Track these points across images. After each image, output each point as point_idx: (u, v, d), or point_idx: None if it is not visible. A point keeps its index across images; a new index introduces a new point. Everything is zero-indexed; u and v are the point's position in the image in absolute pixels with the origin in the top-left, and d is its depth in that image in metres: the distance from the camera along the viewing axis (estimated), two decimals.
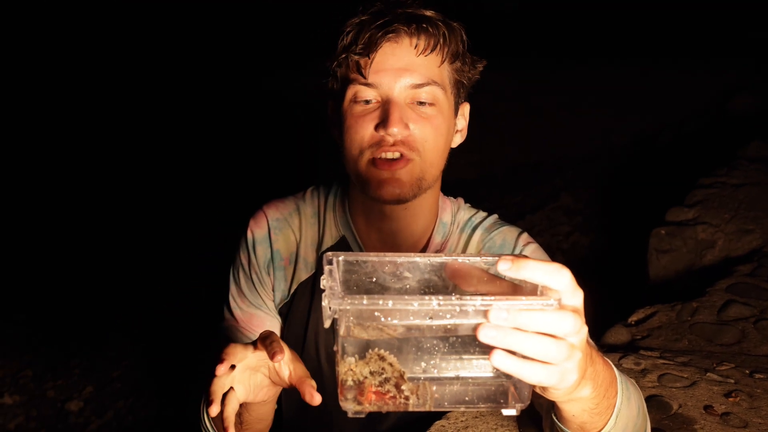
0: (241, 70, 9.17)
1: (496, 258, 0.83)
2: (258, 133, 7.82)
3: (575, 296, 0.80)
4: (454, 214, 1.51)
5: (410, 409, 0.80)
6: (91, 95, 9.07)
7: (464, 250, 1.47)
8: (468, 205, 1.56)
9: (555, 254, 4.77)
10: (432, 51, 1.27)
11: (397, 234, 1.43)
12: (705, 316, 2.44)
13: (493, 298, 0.74)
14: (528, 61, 7.88)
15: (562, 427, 1.03)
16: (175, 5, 10.38)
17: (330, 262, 0.84)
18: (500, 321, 0.74)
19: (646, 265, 3.40)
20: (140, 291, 5.09)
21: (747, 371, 1.92)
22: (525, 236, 1.47)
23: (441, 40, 1.28)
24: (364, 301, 0.74)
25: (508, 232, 1.46)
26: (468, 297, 0.74)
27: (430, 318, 0.75)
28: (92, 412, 3.90)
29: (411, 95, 1.27)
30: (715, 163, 4.09)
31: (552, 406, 1.02)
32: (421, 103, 1.28)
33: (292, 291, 1.50)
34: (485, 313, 0.74)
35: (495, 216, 1.53)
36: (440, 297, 0.74)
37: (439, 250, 1.47)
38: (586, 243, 4.98)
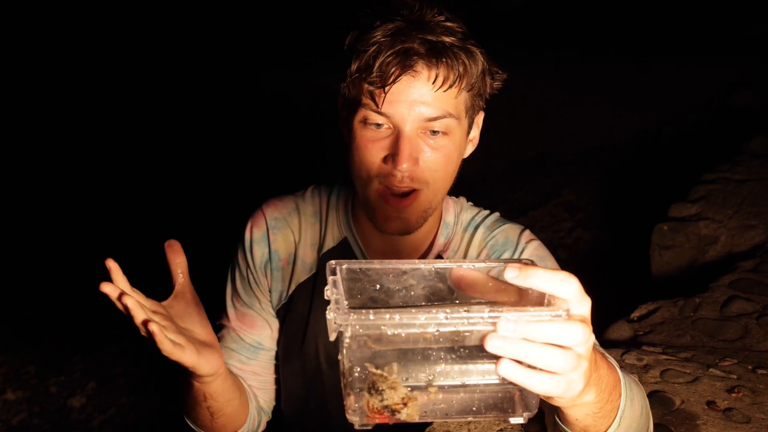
0: (243, 69, 9.16)
1: (502, 264, 0.82)
2: (260, 131, 7.81)
3: (583, 305, 0.79)
4: (458, 215, 1.49)
5: (417, 420, 0.79)
6: (93, 95, 9.07)
7: (467, 249, 1.46)
8: (470, 203, 1.54)
9: (557, 250, 4.76)
10: (450, 87, 1.21)
11: (401, 237, 1.41)
12: (708, 311, 2.44)
13: (501, 309, 0.73)
14: (531, 57, 7.86)
15: (565, 429, 1.02)
16: (177, 5, 10.37)
17: (334, 272, 0.82)
18: (508, 332, 0.73)
19: (648, 261, 3.39)
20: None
21: (750, 367, 1.91)
22: (527, 234, 1.46)
23: (461, 71, 1.21)
24: (371, 317, 0.72)
25: (510, 230, 1.46)
26: (475, 309, 0.73)
27: (438, 330, 0.74)
28: (95, 408, 3.91)
29: (424, 126, 1.23)
30: (717, 159, 4.09)
31: (555, 408, 1.01)
32: (434, 132, 1.24)
33: (291, 292, 1.50)
34: (493, 324, 0.74)
35: (497, 214, 1.52)
36: (447, 309, 0.72)
37: (443, 251, 1.46)
38: (589, 239, 4.97)
